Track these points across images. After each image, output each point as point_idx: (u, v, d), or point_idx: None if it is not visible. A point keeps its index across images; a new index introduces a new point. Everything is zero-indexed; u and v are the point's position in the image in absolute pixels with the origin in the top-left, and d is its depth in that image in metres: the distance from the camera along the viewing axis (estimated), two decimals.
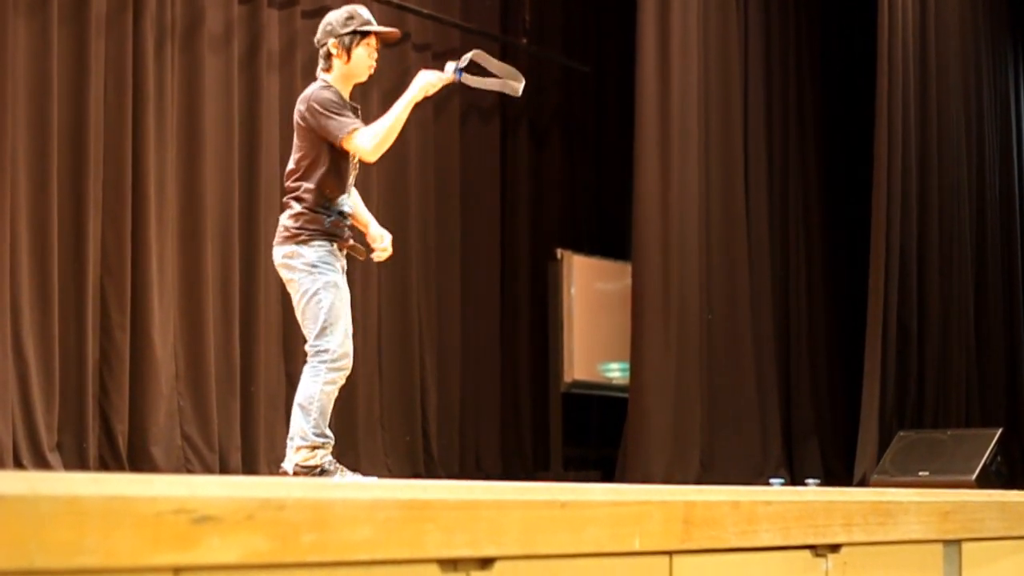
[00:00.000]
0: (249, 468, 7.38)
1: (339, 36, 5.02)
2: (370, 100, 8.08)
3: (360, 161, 5.05)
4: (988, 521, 3.47)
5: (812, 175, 10.29)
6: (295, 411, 4.81)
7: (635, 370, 8.63)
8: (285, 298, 7.13)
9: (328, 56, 5.03)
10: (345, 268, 4.94)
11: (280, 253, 4.90)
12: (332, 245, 4.87)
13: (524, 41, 9.72)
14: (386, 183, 8.50)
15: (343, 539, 1.71)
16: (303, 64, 8.04)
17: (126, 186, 6.95)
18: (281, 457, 4.97)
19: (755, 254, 9.41)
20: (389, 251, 5.16)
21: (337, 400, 5.00)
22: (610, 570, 2.23)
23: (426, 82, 5.00)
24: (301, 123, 4.91)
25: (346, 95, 4.99)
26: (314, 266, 4.82)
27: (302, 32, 8.05)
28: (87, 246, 6.76)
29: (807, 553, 2.77)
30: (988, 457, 8.00)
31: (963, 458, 8.06)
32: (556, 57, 10.00)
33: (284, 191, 4.96)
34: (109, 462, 6.77)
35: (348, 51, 5.00)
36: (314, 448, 4.77)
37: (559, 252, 9.57)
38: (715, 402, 8.84)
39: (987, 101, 10.46)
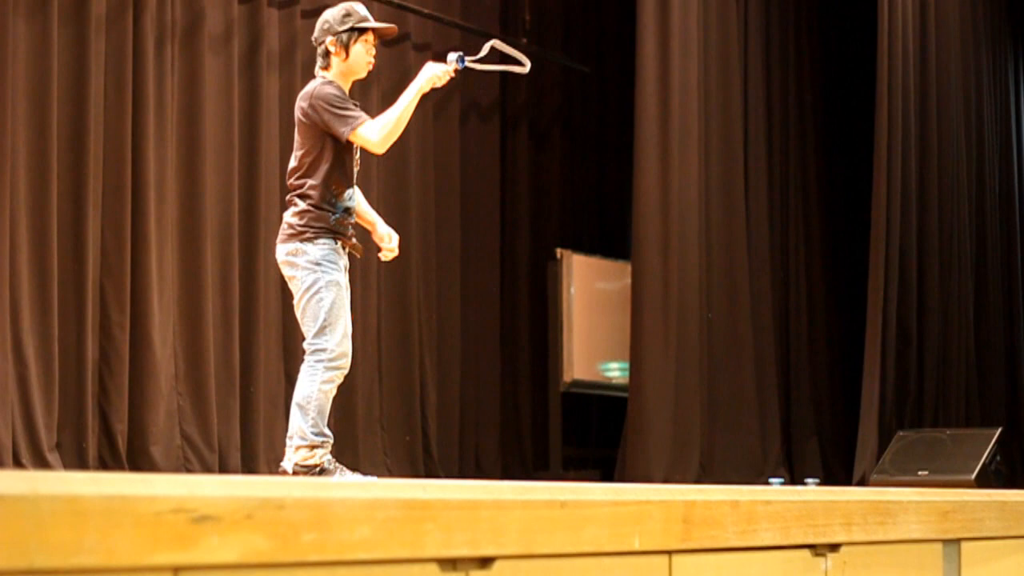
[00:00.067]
0: (248, 468, 7.38)
1: (337, 34, 5.02)
2: (370, 99, 8.08)
3: (362, 156, 5.06)
4: (987, 521, 3.47)
5: (812, 175, 10.29)
6: (293, 410, 4.81)
7: (635, 370, 8.63)
8: (285, 298, 7.15)
9: (326, 54, 5.04)
10: (348, 267, 4.94)
11: (284, 251, 4.89)
12: (336, 243, 4.87)
13: (524, 41, 9.71)
14: (386, 183, 8.50)
15: (343, 538, 1.71)
16: (303, 64, 8.04)
17: (126, 186, 6.95)
18: (280, 456, 4.97)
19: (755, 254, 9.41)
20: (396, 251, 5.16)
21: (337, 400, 4.99)
22: (610, 570, 2.23)
23: (433, 74, 5.02)
24: (303, 120, 4.90)
25: (346, 92, 4.99)
26: (317, 264, 4.82)
27: (302, 32, 8.05)
28: (87, 246, 6.76)
29: (807, 552, 2.77)
30: (987, 457, 8.00)
31: (962, 458, 8.06)
32: (556, 57, 10.00)
33: (287, 189, 4.95)
34: (108, 462, 6.77)
35: (346, 48, 5.00)
36: (313, 447, 4.77)
37: (559, 252, 9.57)
38: (715, 402, 8.84)
39: (987, 101, 10.46)
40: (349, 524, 1.72)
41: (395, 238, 5.16)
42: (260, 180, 7.64)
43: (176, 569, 1.51)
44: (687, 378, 8.62)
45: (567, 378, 9.43)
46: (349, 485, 1.85)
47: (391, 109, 4.97)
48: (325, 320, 4.78)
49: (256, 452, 7.45)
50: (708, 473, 8.61)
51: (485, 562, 1.97)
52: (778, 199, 9.89)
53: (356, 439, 8.05)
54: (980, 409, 9.92)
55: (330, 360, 4.77)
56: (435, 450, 8.68)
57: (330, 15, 5.09)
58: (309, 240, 4.83)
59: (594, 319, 9.66)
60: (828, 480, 9.07)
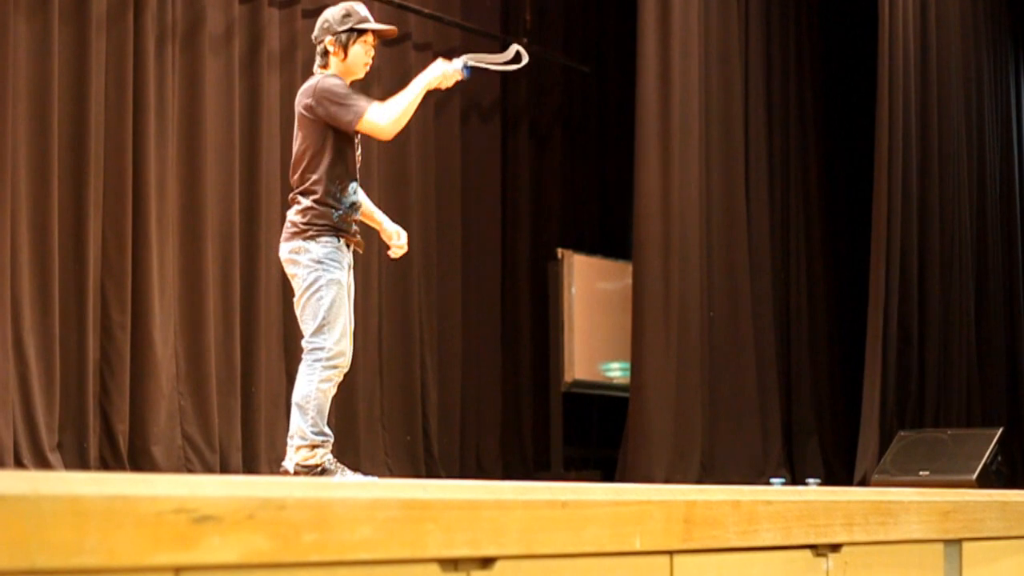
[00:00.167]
0: (250, 468, 7.38)
1: (336, 33, 5.01)
2: (370, 98, 8.07)
3: (363, 153, 5.06)
4: (989, 521, 3.47)
5: (813, 175, 10.29)
6: (293, 410, 4.81)
7: (636, 370, 8.63)
8: (286, 298, 7.15)
9: (325, 53, 5.03)
10: (351, 265, 4.94)
11: (286, 249, 4.89)
12: (339, 241, 4.86)
13: (525, 41, 9.69)
14: (387, 182, 8.50)
15: (344, 539, 1.71)
16: (304, 63, 8.04)
17: (127, 186, 6.95)
18: (282, 456, 4.97)
19: (756, 254, 9.41)
20: (405, 248, 5.16)
21: (337, 399, 5.00)
22: (611, 570, 2.23)
23: (442, 72, 5.01)
24: (306, 114, 4.89)
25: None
26: (319, 262, 4.82)
27: (303, 32, 8.05)
28: (88, 246, 6.76)
29: (808, 553, 2.77)
30: (989, 457, 7.99)
31: (964, 458, 8.05)
32: (557, 57, 10.00)
33: (289, 187, 4.95)
34: (110, 462, 6.77)
35: (345, 49, 5.00)
36: (314, 447, 4.77)
37: (560, 252, 9.57)
38: (716, 401, 8.84)
39: (987, 102, 10.46)
40: (350, 524, 1.72)
41: (403, 235, 5.17)
42: (261, 180, 7.64)
43: (177, 569, 1.51)
44: (688, 378, 8.62)
45: (568, 378, 9.43)
46: (350, 485, 1.85)
47: (399, 96, 4.96)
48: (324, 319, 4.78)
49: (257, 452, 7.46)
50: (709, 473, 8.61)
51: (486, 562, 1.97)
52: (779, 199, 9.89)
53: (357, 439, 8.05)
54: (981, 409, 9.91)
55: (327, 359, 4.77)
56: (436, 450, 8.68)
57: (330, 14, 5.09)
58: (312, 238, 4.83)
59: (595, 319, 9.66)
60: (829, 480, 9.07)
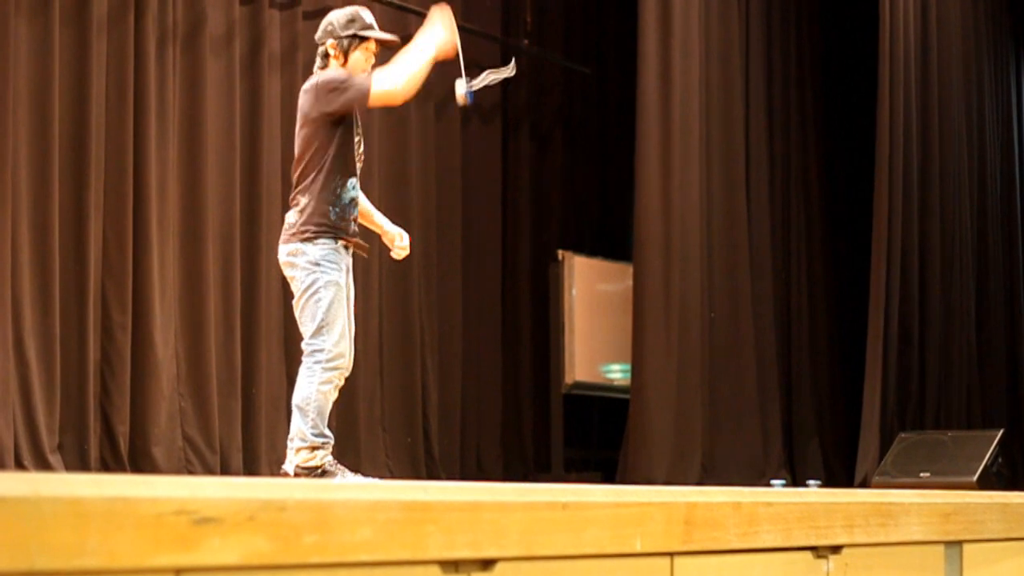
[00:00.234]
0: (250, 469, 7.38)
1: (338, 38, 5.00)
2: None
3: (364, 152, 5.06)
4: (989, 523, 3.47)
5: (813, 176, 10.29)
6: (293, 412, 4.81)
7: (636, 371, 8.63)
8: (287, 299, 7.14)
9: (326, 56, 5.02)
10: (350, 267, 4.93)
11: (284, 251, 4.89)
12: (337, 243, 4.86)
13: (525, 42, 9.72)
14: (388, 184, 8.50)
15: (344, 540, 1.71)
16: (304, 65, 8.03)
17: (127, 187, 6.95)
18: (282, 458, 4.97)
19: (756, 255, 9.41)
20: (408, 249, 5.16)
21: (338, 401, 4.99)
22: (611, 571, 2.23)
23: (444, 41, 4.97)
24: (311, 113, 4.89)
25: None
26: (316, 264, 4.81)
27: (303, 33, 8.05)
28: (88, 247, 6.76)
29: (808, 554, 2.77)
30: (989, 458, 7.99)
31: (964, 459, 8.05)
32: (557, 59, 10.01)
33: (291, 187, 4.95)
34: (110, 463, 6.77)
35: (346, 54, 4.98)
36: (314, 449, 4.77)
37: (560, 253, 9.57)
38: (716, 403, 8.84)
39: (988, 103, 10.46)
40: (351, 526, 1.72)
41: (406, 237, 5.17)
42: (262, 181, 7.64)
43: (178, 571, 1.51)
44: (689, 379, 8.62)
45: (568, 380, 9.43)
46: (350, 487, 1.85)
47: (402, 59, 4.91)
48: (323, 320, 4.77)
49: (258, 454, 7.46)
50: (710, 475, 8.61)
51: (487, 564, 1.97)
52: (779, 200, 9.89)
53: (358, 440, 8.05)
54: (982, 410, 9.91)
55: (327, 361, 4.77)
56: (436, 451, 8.68)
57: (335, 17, 5.07)
58: (309, 240, 4.83)
59: (595, 321, 9.66)
60: (830, 482, 9.07)
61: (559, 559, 2.11)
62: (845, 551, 2.86)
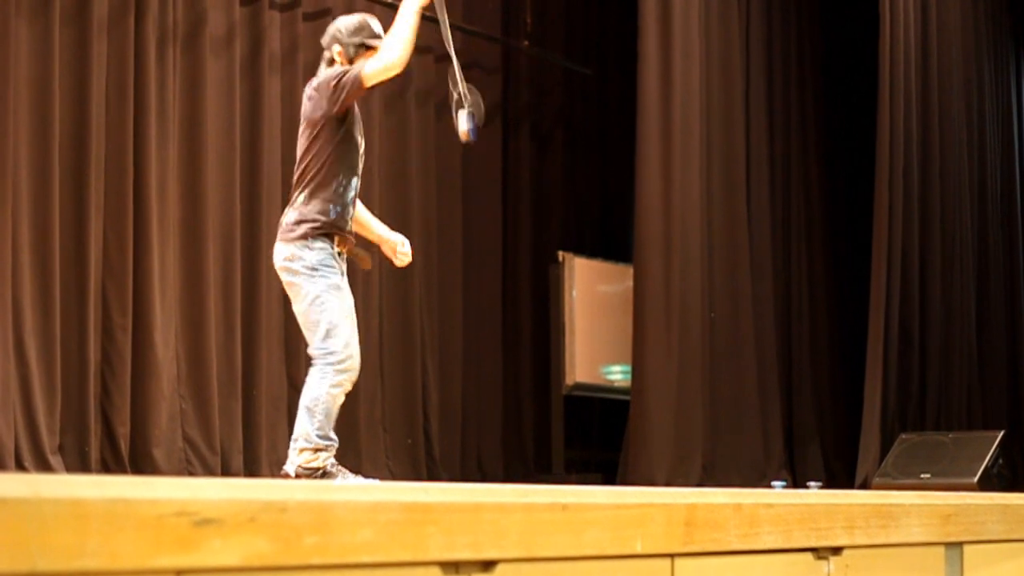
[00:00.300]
0: (251, 470, 7.38)
1: (344, 45, 4.98)
2: (371, 104, 8.10)
3: (365, 155, 5.05)
4: (990, 524, 3.47)
5: (814, 177, 10.29)
6: (300, 413, 4.80)
7: (637, 372, 8.62)
8: (287, 300, 7.12)
9: (331, 62, 5.01)
10: (345, 272, 4.93)
11: (281, 255, 4.88)
12: (333, 247, 4.86)
13: (526, 43, 9.72)
14: (388, 185, 8.50)
15: (345, 541, 1.71)
16: (305, 66, 8.03)
17: (128, 188, 6.96)
18: (283, 459, 4.97)
19: (757, 256, 9.41)
20: (409, 256, 5.15)
21: None
22: (612, 572, 2.23)
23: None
24: (313, 114, 4.89)
25: None
26: (315, 269, 4.81)
27: (304, 34, 8.06)
28: (89, 248, 6.76)
29: (809, 556, 2.77)
30: (990, 459, 7.99)
31: (965, 460, 8.05)
32: (558, 59, 10.00)
33: (292, 186, 4.95)
34: (111, 464, 6.77)
35: (350, 61, 4.97)
36: (317, 450, 4.77)
37: (561, 254, 9.57)
38: (717, 404, 8.84)
39: (988, 103, 10.46)
40: (351, 527, 1.72)
41: (407, 244, 5.16)
42: (262, 182, 7.64)
43: (179, 572, 1.51)
44: (689, 381, 8.62)
45: (569, 381, 9.43)
46: (351, 488, 1.85)
47: (392, 32, 4.90)
48: (329, 324, 4.78)
49: (258, 455, 7.46)
50: (710, 476, 8.61)
51: (487, 565, 1.97)
52: (780, 201, 9.89)
53: (358, 441, 8.05)
54: (982, 412, 9.91)
55: (339, 362, 4.77)
56: (437, 453, 8.68)
57: (343, 23, 5.05)
58: (305, 243, 4.82)
59: (596, 322, 9.66)
60: (830, 483, 9.07)
61: (559, 560, 2.11)
62: (846, 552, 2.86)
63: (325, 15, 8.22)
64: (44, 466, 6.40)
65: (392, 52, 4.83)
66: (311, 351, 4.82)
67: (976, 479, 7.86)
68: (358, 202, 5.06)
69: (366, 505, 1.75)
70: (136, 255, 6.96)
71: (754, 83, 9.56)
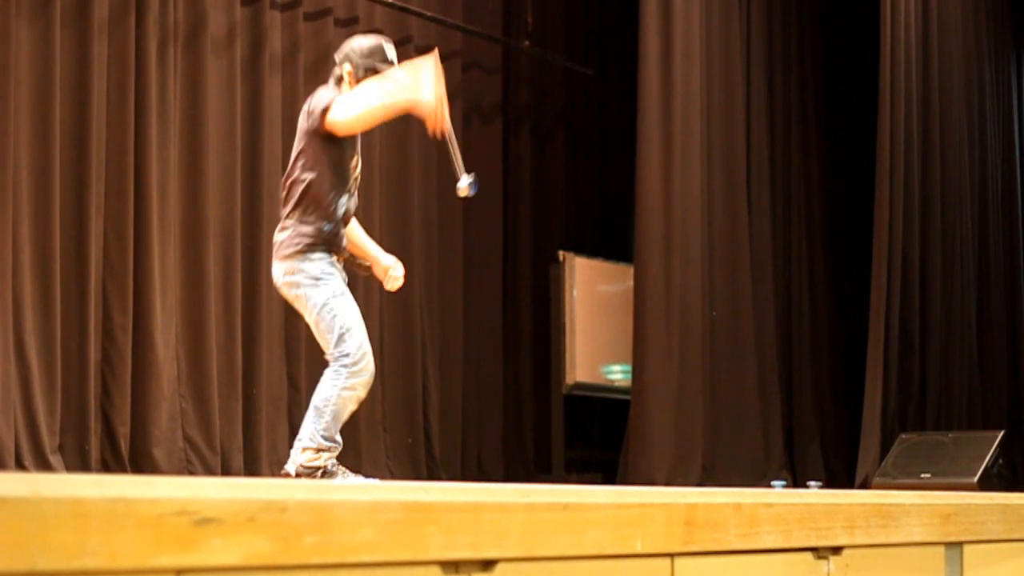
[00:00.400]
0: (251, 470, 7.38)
1: (356, 65, 4.94)
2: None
3: (360, 172, 5.04)
4: (990, 524, 3.47)
5: (814, 177, 10.29)
6: (309, 412, 4.81)
7: (637, 372, 8.63)
8: (288, 300, 7.15)
9: (340, 79, 4.98)
10: (346, 280, 4.94)
11: (280, 271, 4.88)
12: (331, 256, 4.87)
13: (526, 43, 9.72)
14: (388, 185, 8.50)
15: (345, 541, 1.71)
16: (305, 66, 8.04)
17: (128, 188, 6.96)
18: (283, 459, 4.97)
19: (757, 256, 9.41)
20: (401, 280, 5.14)
21: None
22: (612, 572, 2.23)
23: (428, 106, 4.74)
24: (304, 128, 4.89)
25: None
26: (318, 278, 4.82)
27: (304, 34, 8.06)
28: (89, 248, 6.77)
29: (809, 555, 2.77)
30: (990, 459, 7.99)
31: (965, 460, 8.05)
32: (558, 59, 10.01)
33: (282, 201, 4.95)
34: (111, 464, 6.77)
35: (358, 82, 4.94)
36: (319, 450, 4.77)
37: (561, 254, 9.57)
38: (717, 404, 8.84)
39: (989, 104, 10.46)
40: (351, 526, 1.72)
41: (400, 267, 5.14)
42: (263, 182, 7.64)
43: (179, 571, 1.51)
44: (689, 380, 8.62)
45: (569, 380, 9.43)
46: (351, 487, 1.85)
47: (371, 92, 4.78)
48: (342, 328, 4.79)
49: (258, 454, 7.46)
50: (710, 476, 8.61)
51: (487, 564, 1.97)
52: (780, 202, 9.89)
53: (359, 441, 8.05)
54: (983, 411, 9.91)
55: (353, 364, 4.78)
56: (437, 452, 8.68)
57: (357, 43, 5.02)
58: (303, 257, 4.82)
59: (596, 322, 9.66)
60: (830, 482, 9.07)
61: (560, 560, 2.11)
62: (846, 552, 2.86)
63: (326, 15, 8.23)
64: (44, 466, 6.40)
65: (352, 117, 4.71)
66: (327, 356, 4.83)
67: (976, 479, 7.86)
68: (354, 221, 5.06)
69: (366, 505, 1.75)
70: (136, 255, 6.96)
71: (755, 83, 9.56)
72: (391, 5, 8.49)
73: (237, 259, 7.48)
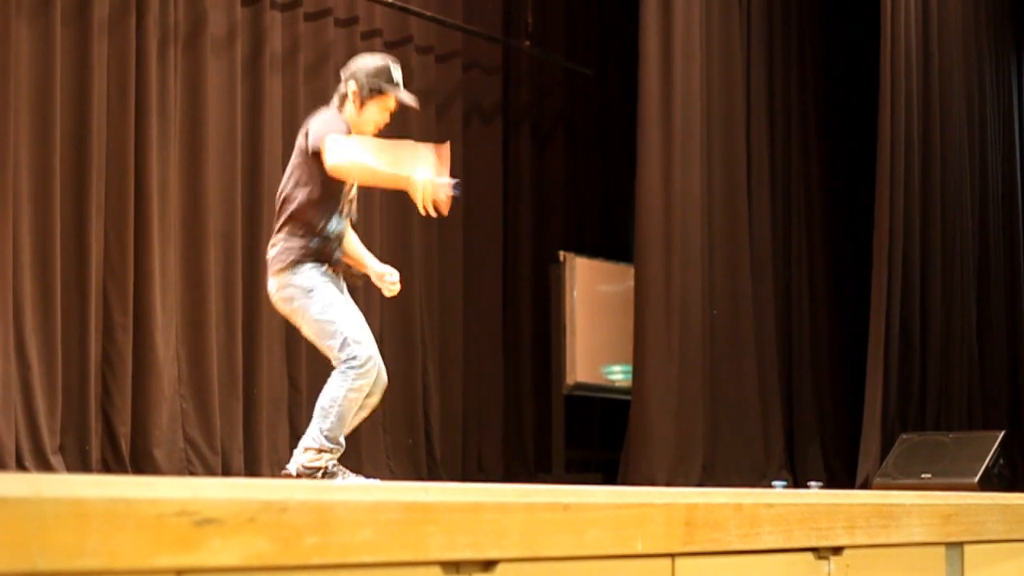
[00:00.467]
0: (251, 470, 7.38)
1: (361, 84, 4.93)
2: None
3: (357, 192, 5.04)
4: (990, 524, 3.47)
5: (815, 177, 10.29)
6: (315, 412, 4.81)
7: (637, 372, 8.62)
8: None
9: (344, 96, 4.97)
10: (344, 289, 4.95)
11: (274, 287, 4.90)
12: (322, 266, 4.87)
13: (527, 44, 9.72)
14: None
15: (345, 541, 1.71)
16: (306, 66, 8.04)
17: (129, 188, 6.96)
18: (283, 459, 4.97)
19: (757, 256, 9.41)
20: (398, 285, 5.11)
21: None
22: (612, 572, 2.23)
23: (422, 190, 4.68)
24: (300, 145, 4.90)
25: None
26: (310, 289, 4.82)
27: (305, 34, 8.06)
28: (90, 248, 6.77)
29: (809, 556, 2.77)
30: (990, 459, 7.99)
31: (965, 460, 8.05)
32: (559, 60, 10.00)
33: (275, 214, 4.96)
34: (111, 464, 6.77)
35: (363, 102, 4.94)
36: (321, 451, 4.77)
37: (562, 254, 9.57)
38: (717, 404, 8.83)
39: (990, 105, 10.46)
40: (352, 527, 1.72)
41: (395, 274, 5.13)
42: (263, 182, 7.64)
43: (179, 572, 1.51)
44: (690, 381, 8.62)
45: (570, 381, 9.43)
46: (351, 488, 1.85)
47: (367, 153, 4.75)
48: (344, 332, 4.79)
49: (259, 455, 7.46)
50: (711, 476, 8.61)
51: (488, 565, 1.97)
52: (781, 202, 9.89)
53: (359, 441, 8.04)
54: (983, 412, 9.91)
55: (360, 366, 4.78)
56: (438, 452, 8.68)
57: (364, 62, 5.01)
58: (292, 270, 4.83)
59: (597, 322, 9.66)
60: (831, 483, 9.07)
61: (560, 560, 2.11)
62: (846, 552, 2.86)
63: (326, 15, 8.23)
64: (45, 466, 6.40)
65: (343, 163, 4.66)
66: (334, 361, 4.83)
67: (977, 479, 7.86)
68: (351, 234, 5.06)
69: (366, 505, 1.75)
70: (137, 255, 6.96)
71: (755, 83, 9.56)
72: (391, 5, 8.49)
73: (237, 259, 7.48)
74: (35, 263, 6.56)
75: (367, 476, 6.20)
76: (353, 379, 4.76)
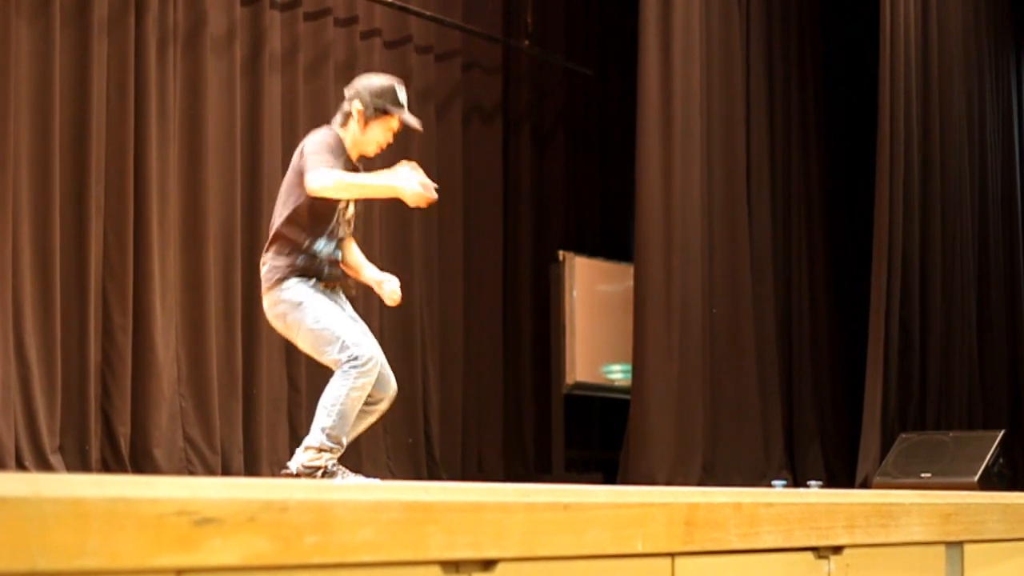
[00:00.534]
0: (251, 470, 7.38)
1: (365, 104, 4.92)
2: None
3: (354, 213, 5.05)
4: (990, 523, 3.47)
5: (814, 177, 10.29)
6: (318, 412, 4.81)
7: (637, 372, 8.62)
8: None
9: (347, 115, 4.96)
10: (345, 305, 4.94)
11: (267, 306, 4.92)
12: (310, 280, 4.86)
13: (526, 43, 9.72)
14: None
15: (345, 541, 1.71)
16: (305, 66, 8.04)
17: (128, 188, 6.96)
18: (283, 459, 4.97)
19: (757, 256, 9.41)
20: (398, 294, 5.07)
21: None
22: (612, 572, 2.23)
23: (411, 191, 4.78)
24: (296, 169, 4.90)
25: (342, 149, 4.87)
26: (300, 303, 4.82)
27: (304, 34, 8.05)
28: (89, 248, 6.77)
29: (809, 555, 2.77)
30: (990, 459, 7.99)
31: (965, 460, 8.05)
32: (558, 60, 10.00)
33: (268, 229, 4.98)
34: (111, 464, 6.77)
35: (366, 121, 4.93)
36: (322, 450, 4.77)
37: (561, 254, 9.57)
38: (717, 404, 8.83)
39: (989, 104, 10.46)
40: (352, 526, 1.72)
41: (394, 282, 5.09)
42: (262, 182, 7.64)
43: (179, 571, 1.51)
44: (690, 380, 8.62)
45: (569, 380, 9.43)
46: (351, 487, 1.85)
47: (357, 176, 4.82)
48: (341, 336, 4.78)
49: (258, 454, 7.46)
50: (711, 475, 8.61)
51: (488, 564, 1.97)
52: (780, 202, 9.89)
53: (359, 441, 8.02)
54: (983, 411, 9.91)
55: (362, 365, 4.78)
56: (438, 452, 8.68)
57: (368, 80, 5.00)
58: (280, 287, 4.84)
59: (596, 321, 9.66)
60: (831, 482, 9.07)
61: (560, 560, 2.11)
62: (846, 552, 2.86)
63: (325, 15, 8.23)
64: (45, 466, 6.40)
65: (330, 185, 4.70)
66: (335, 365, 4.82)
67: (976, 478, 7.86)
68: (352, 245, 5.06)
69: (367, 504, 1.75)
70: (136, 255, 6.96)
71: (754, 84, 9.56)
72: (391, 5, 8.48)
73: (237, 259, 7.48)
74: (35, 263, 6.56)
75: (367, 476, 6.20)
76: (355, 378, 4.75)
